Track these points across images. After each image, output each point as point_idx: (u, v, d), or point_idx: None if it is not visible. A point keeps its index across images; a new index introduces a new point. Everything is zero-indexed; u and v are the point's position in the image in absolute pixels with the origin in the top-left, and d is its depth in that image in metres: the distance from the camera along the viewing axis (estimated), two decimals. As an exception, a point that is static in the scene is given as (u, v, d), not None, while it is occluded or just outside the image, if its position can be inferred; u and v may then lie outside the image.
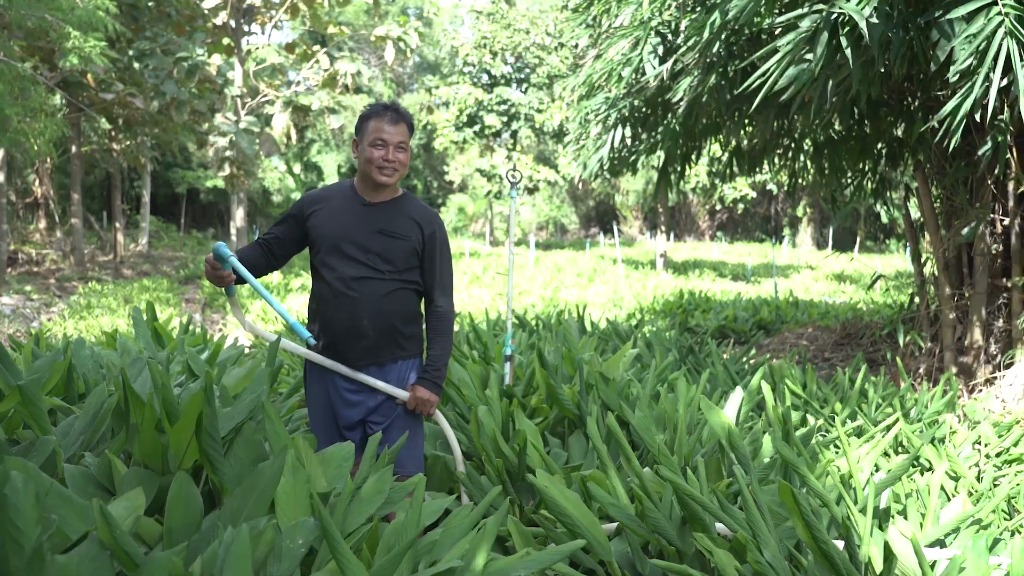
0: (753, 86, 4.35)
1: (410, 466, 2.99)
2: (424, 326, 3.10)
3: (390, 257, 2.90)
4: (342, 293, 2.88)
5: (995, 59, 3.65)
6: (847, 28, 3.94)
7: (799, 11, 4.02)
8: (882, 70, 4.52)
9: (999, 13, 3.66)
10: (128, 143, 22.15)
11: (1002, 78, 3.76)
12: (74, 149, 19.62)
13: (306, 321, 3.10)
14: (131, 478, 2.23)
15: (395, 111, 2.91)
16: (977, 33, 3.69)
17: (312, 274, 3.01)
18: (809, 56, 4.02)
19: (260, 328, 3.20)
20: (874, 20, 3.73)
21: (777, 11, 4.34)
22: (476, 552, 2.08)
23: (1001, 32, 3.63)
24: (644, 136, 6.79)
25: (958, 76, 3.81)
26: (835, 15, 3.87)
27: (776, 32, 4.86)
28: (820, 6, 3.94)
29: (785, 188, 8.18)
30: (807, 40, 3.96)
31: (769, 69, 4.15)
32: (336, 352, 2.93)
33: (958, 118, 3.82)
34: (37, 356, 3.88)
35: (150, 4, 18.69)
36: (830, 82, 4.21)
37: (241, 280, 2.86)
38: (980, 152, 4.67)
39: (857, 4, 3.73)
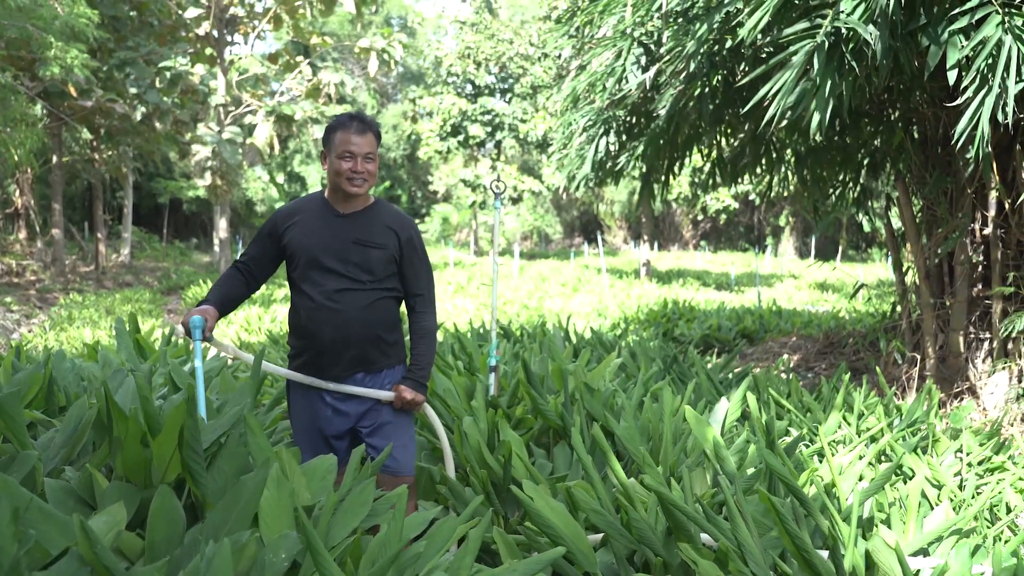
0: (761, 102, 4.32)
1: (403, 465, 2.99)
2: (406, 331, 3.10)
3: (369, 267, 2.90)
4: (324, 306, 2.88)
5: (1006, 67, 3.68)
6: (852, 44, 3.96)
7: (803, 25, 4.02)
8: (865, 81, 4.54)
9: (1000, 23, 3.69)
10: (110, 153, 22.01)
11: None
12: (55, 159, 19.48)
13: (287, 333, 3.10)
14: (112, 492, 2.21)
15: (360, 121, 2.90)
16: (982, 41, 3.71)
17: (291, 288, 3.01)
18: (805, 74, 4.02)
19: (242, 352, 3.20)
20: (874, 32, 3.74)
21: (767, 24, 4.32)
22: (460, 564, 2.07)
23: (1008, 39, 3.66)
24: (628, 145, 6.81)
25: (969, 81, 3.82)
26: (840, 30, 3.88)
27: (760, 44, 4.88)
28: (819, 21, 3.95)
29: (766, 197, 8.22)
30: (809, 56, 3.95)
31: (779, 89, 4.12)
32: (322, 365, 2.93)
33: (980, 128, 3.82)
34: (17, 368, 3.84)
35: (132, 14, 18.61)
36: (830, 96, 4.19)
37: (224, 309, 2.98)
38: (963, 164, 4.72)
39: (859, 18, 3.75)
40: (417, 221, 45.84)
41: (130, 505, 2.18)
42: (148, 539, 2.00)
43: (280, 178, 37.96)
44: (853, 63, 3.98)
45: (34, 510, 1.93)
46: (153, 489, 2.25)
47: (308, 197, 3.06)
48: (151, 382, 3.98)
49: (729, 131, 6.90)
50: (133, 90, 17.80)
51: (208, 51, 21.12)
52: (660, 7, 5.28)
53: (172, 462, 2.30)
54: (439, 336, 7.66)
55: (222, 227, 21.98)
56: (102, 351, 4.60)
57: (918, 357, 6.11)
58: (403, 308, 3.10)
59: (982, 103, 3.79)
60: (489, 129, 30.24)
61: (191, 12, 19.54)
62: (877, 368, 5.72)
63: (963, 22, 3.76)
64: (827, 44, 3.90)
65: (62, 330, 11.03)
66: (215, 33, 20.52)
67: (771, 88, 4.16)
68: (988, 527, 3.26)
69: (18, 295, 16.31)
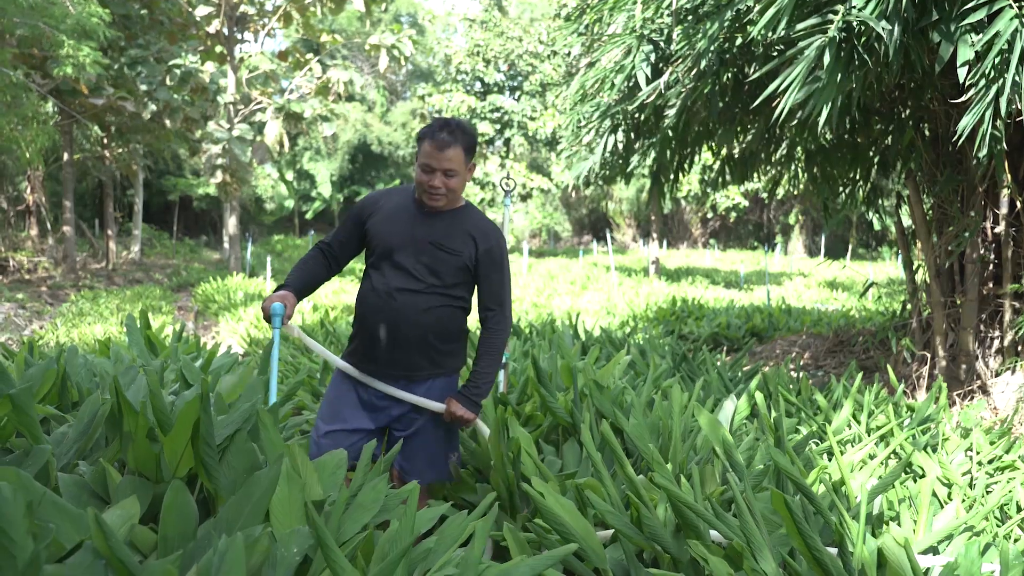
0: (765, 99, 4.30)
1: (430, 476, 2.99)
2: (471, 345, 3.08)
3: (437, 270, 2.85)
4: (384, 299, 2.86)
5: (1020, 63, 3.64)
6: (863, 39, 3.94)
7: (814, 20, 3.99)
8: (876, 78, 4.53)
9: (1016, 16, 3.66)
10: (120, 151, 22.11)
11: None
12: (66, 156, 19.58)
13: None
14: (125, 486, 2.23)
15: (449, 132, 2.78)
16: (995, 36, 3.68)
17: (364, 275, 2.99)
18: (817, 69, 3.99)
19: (314, 343, 3.17)
20: (887, 27, 3.72)
21: (779, 20, 4.30)
22: (468, 558, 2.07)
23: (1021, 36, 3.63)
24: (638, 143, 6.81)
25: (976, 80, 3.80)
26: (851, 25, 3.86)
27: (770, 42, 4.87)
28: (831, 17, 3.92)
29: (774, 194, 8.20)
30: (820, 52, 3.93)
31: (789, 84, 4.10)
32: (370, 356, 2.91)
33: (985, 126, 3.80)
34: (30, 364, 3.86)
35: (142, 12, 18.69)
36: (840, 93, 4.15)
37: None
38: (973, 160, 4.70)
39: (871, 13, 3.73)
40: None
41: (143, 499, 2.19)
42: (161, 533, 2.01)
43: (289, 175, 38.04)
44: (866, 57, 3.96)
45: (48, 504, 1.94)
46: (165, 484, 2.27)
47: (401, 187, 3.01)
48: (162, 378, 4.00)
49: (739, 129, 6.88)
50: (144, 87, 17.88)
51: (218, 49, 21.20)
52: (670, 4, 5.27)
53: (184, 457, 2.31)
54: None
55: (232, 224, 22.06)
56: (114, 347, 4.63)
57: (928, 356, 6.09)
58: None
59: (993, 100, 3.77)
60: (498, 127, 30.26)
61: (201, 10, 19.61)
62: (888, 367, 5.70)
63: (976, 16, 3.73)
64: (838, 40, 3.88)
65: (73, 326, 11.09)
66: (225, 31, 20.58)
67: (780, 84, 4.14)
68: (998, 526, 3.25)
69: (30, 292, 16.40)
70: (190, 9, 19.70)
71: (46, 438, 2.51)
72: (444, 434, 3.03)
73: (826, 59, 3.88)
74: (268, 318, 2.82)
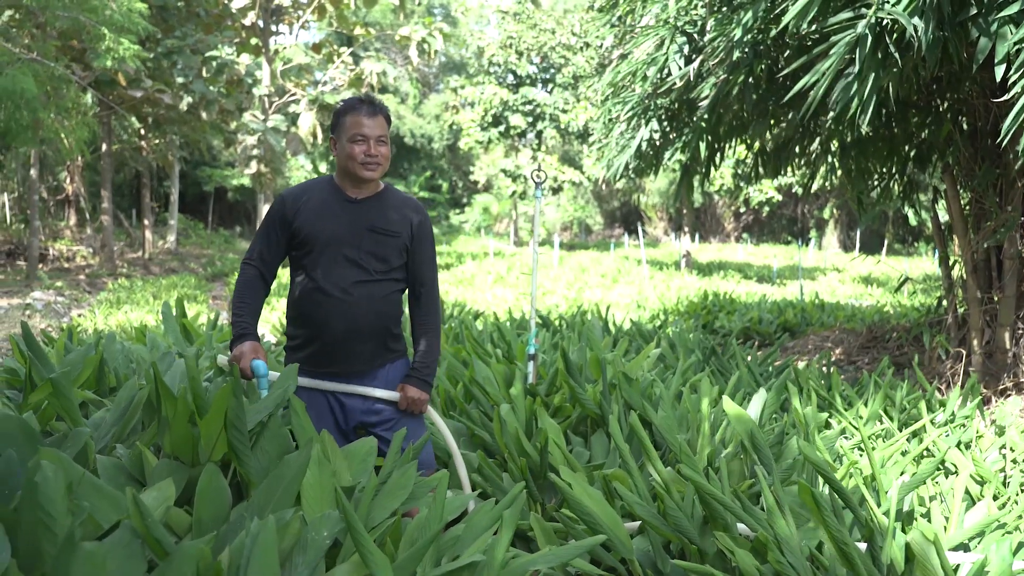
0: (798, 92, 4.26)
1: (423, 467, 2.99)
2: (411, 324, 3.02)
3: (383, 255, 2.81)
4: (338, 298, 2.77)
5: None
6: (895, 35, 3.88)
7: (847, 14, 3.94)
8: (912, 72, 4.47)
9: None
10: (157, 142, 22.43)
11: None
12: (104, 147, 19.89)
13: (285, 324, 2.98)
14: (162, 470, 2.28)
15: (371, 104, 2.80)
16: None
17: (298, 275, 2.86)
18: (850, 64, 3.94)
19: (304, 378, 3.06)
20: (919, 24, 3.67)
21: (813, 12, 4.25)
22: (496, 546, 2.10)
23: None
24: (672, 135, 6.77)
25: (1016, 76, 3.73)
26: (884, 21, 3.81)
27: (805, 33, 4.82)
28: (864, 11, 3.87)
29: (811, 189, 8.12)
30: (852, 47, 3.88)
31: (817, 78, 4.05)
32: (328, 359, 2.83)
33: None
34: (69, 350, 3.95)
35: (179, 4, 18.92)
36: (873, 87, 4.07)
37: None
38: (1012, 155, 4.62)
39: (905, 9, 3.68)
40: (457, 211, 46.07)
41: (178, 482, 2.24)
42: (196, 515, 2.06)
43: (323, 167, 38.33)
44: (896, 55, 3.91)
45: (87, 485, 1.99)
46: (200, 467, 2.31)
47: (316, 180, 2.92)
48: (197, 365, 4.06)
49: (773, 122, 6.82)
50: (180, 79, 18.12)
51: (254, 41, 21.39)
52: (704, -4, 5.24)
53: (219, 442, 2.36)
54: (479, 325, 7.70)
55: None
56: (150, 334, 4.71)
57: (963, 352, 6.01)
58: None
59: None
60: (530, 119, 30.23)
61: (237, 2, 19.80)
62: (914, 363, 5.63)
63: (1013, 8, 3.66)
64: (870, 35, 3.83)
65: (111, 314, 11.28)
66: (260, 23, 20.76)
67: (811, 78, 4.10)
68: (1032, 524, 3.21)
69: (68, 280, 16.71)
70: (226, 1, 19.90)
71: (85, 422, 2.57)
72: (414, 420, 2.96)
73: (858, 55, 3.83)
74: (246, 377, 2.68)
